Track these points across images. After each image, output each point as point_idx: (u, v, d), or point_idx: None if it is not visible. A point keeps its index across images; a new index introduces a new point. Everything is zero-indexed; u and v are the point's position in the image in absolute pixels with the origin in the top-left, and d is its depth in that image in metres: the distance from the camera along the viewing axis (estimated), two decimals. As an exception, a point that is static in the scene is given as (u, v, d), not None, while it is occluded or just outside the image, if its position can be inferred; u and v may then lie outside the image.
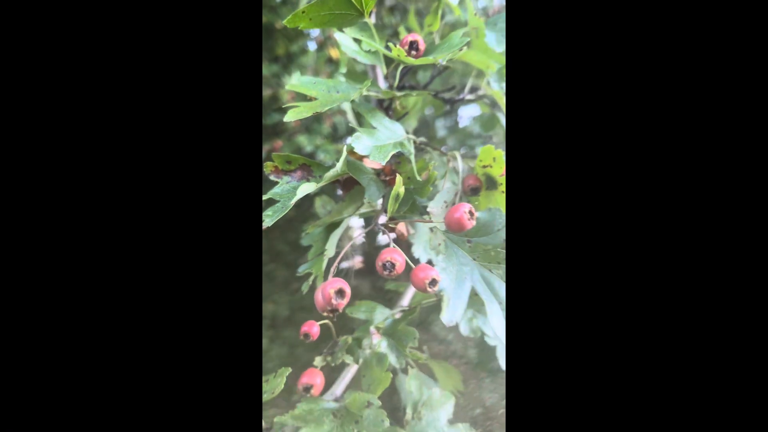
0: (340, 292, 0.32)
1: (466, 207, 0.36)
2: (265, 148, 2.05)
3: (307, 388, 0.48)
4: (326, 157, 1.46)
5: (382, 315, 0.59)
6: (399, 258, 0.35)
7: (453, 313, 0.35)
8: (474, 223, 0.37)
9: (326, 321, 0.52)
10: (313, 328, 0.48)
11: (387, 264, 0.35)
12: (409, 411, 0.50)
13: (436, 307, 0.47)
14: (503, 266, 0.40)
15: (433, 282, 0.35)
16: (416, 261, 0.55)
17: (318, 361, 0.51)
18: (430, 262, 0.40)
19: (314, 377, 0.49)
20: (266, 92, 2.14)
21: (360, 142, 0.38)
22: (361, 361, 0.54)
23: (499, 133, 0.57)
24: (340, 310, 0.34)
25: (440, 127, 1.77)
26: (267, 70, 2.09)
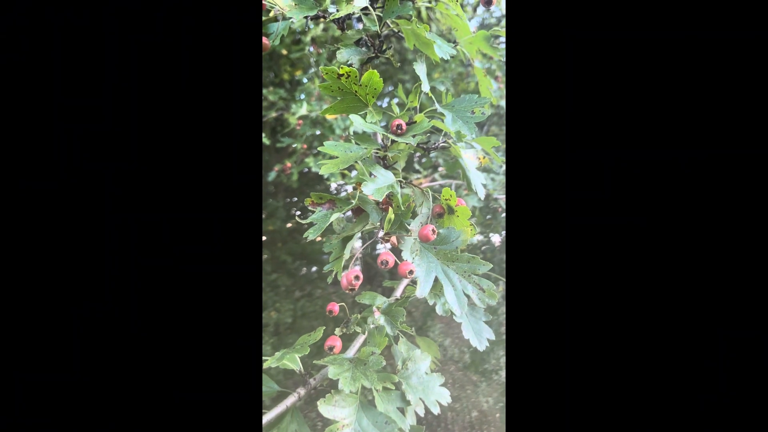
0: (357, 277, 0.56)
1: (430, 226, 0.61)
2: (276, 168, 2.29)
3: (331, 348, 0.72)
4: (333, 180, 1.71)
5: (381, 301, 0.83)
6: (391, 258, 0.59)
7: (423, 290, 0.59)
8: (435, 236, 0.61)
9: (343, 303, 0.77)
10: (335, 307, 0.72)
11: (384, 261, 0.59)
12: (399, 364, 0.74)
13: (431, 314, 0.69)
14: (457, 263, 0.64)
15: (411, 272, 0.59)
16: (403, 260, 0.80)
17: (338, 331, 0.75)
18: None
19: (335, 341, 0.73)
20: (273, 115, 2.39)
21: (367, 187, 0.63)
22: (366, 332, 0.78)
23: (460, 173, 0.82)
24: (356, 289, 0.58)
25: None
26: (273, 95, 2.34)
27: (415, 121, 0.68)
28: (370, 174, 0.68)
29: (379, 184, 0.66)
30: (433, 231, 0.60)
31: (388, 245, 0.63)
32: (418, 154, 2.07)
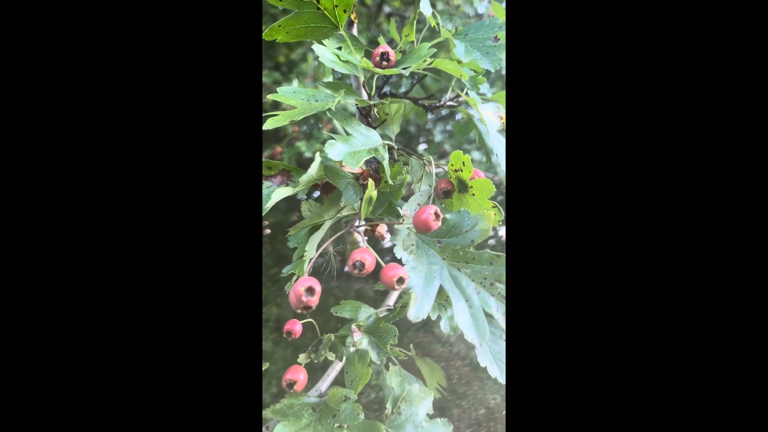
0: (310, 290, 0.34)
1: (432, 209, 0.38)
2: (265, 154, 2.08)
3: (291, 384, 0.50)
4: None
5: (365, 314, 0.61)
6: (369, 257, 0.37)
7: (419, 310, 0.37)
8: (440, 224, 0.39)
9: (311, 320, 0.55)
10: (295, 326, 0.50)
11: (357, 263, 0.37)
12: (389, 406, 0.52)
13: (436, 308, 0.49)
14: (473, 266, 0.42)
15: (401, 280, 0.37)
16: (399, 261, 0.57)
17: (302, 358, 0.53)
18: (399, 261, 0.42)
19: (297, 373, 0.51)
20: (266, 99, 2.16)
21: (333, 149, 0.41)
22: (344, 358, 0.56)
23: (476, 137, 0.60)
24: (313, 307, 0.36)
25: (438, 132, 1.79)
26: (268, 77, 2.12)
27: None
28: (346, 132, 0.46)
29: (355, 145, 0.44)
30: (437, 215, 0.38)
31: (365, 237, 0.41)
32: (415, 124, 1.82)
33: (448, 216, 0.43)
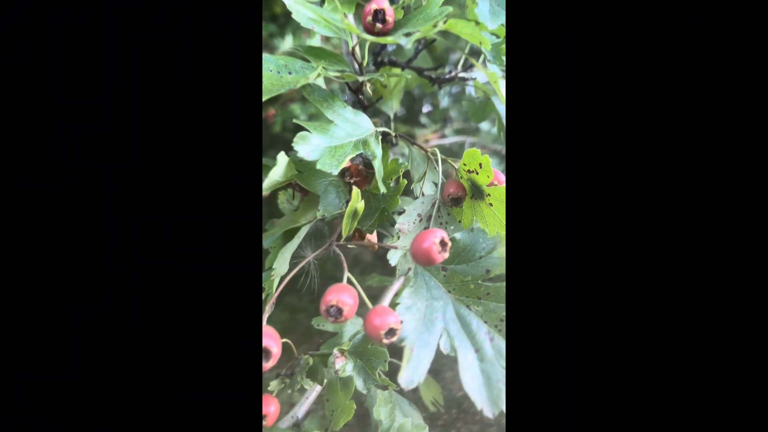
0: (266, 352, 0.25)
1: (438, 235, 0.28)
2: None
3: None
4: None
5: (353, 327, 0.52)
6: (348, 300, 0.28)
7: (415, 371, 0.28)
8: (446, 255, 0.28)
9: (287, 340, 0.46)
10: (271, 344, 0.41)
11: (332, 309, 0.27)
12: (375, 444, 0.44)
13: None
14: (485, 303, 0.32)
15: (391, 332, 0.27)
16: (393, 269, 0.48)
17: (273, 385, 0.45)
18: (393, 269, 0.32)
19: (267, 405, 0.43)
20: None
21: (306, 144, 0.30)
22: (325, 381, 0.48)
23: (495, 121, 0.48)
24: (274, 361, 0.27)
25: (443, 95, 1.62)
26: (263, 30, 1.94)
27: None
28: (327, 119, 0.34)
29: (336, 137, 0.33)
30: (443, 245, 0.28)
31: (346, 273, 0.31)
32: (418, 93, 1.66)
33: (457, 236, 0.32)
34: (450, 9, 0.29)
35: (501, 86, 0.39)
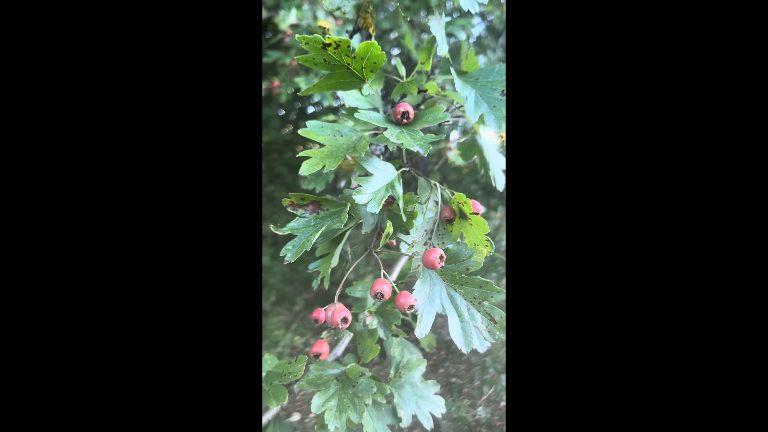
0: (345, 320, 0.46)
1: (438, 253, 0.48)
2: (264, 86, 2.05)
3: (317, 355, 0.64)
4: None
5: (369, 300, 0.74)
6: (386, 288, 0.48)
7: (424, 327, 0.49)
8: (443, 264, 0.49)
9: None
10: (321, 314, 0.63)
11: (378, 294, 0.48)
12: (392, 372, 0.67)
13: None
14: (466, 288, 0.53)
15: (411, 307, 0.48)
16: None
17: (325, 334, 0.67)
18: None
19: (322, 347, 0.65)
20: (263, 14, 2.06)
21: (361, 196, 0.49)
22: (357, 331, 0.70)
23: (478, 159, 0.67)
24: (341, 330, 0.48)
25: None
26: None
27: (427, 101, 0.52)
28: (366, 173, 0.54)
29: (375, 185, 0.52)
30: (441, 258, 0.49)
31: (383, 272, 0.51)
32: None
33: (450, 246, 0.53)
34: (448, 117, 0.48)
35: (481, 130, 0.58)
